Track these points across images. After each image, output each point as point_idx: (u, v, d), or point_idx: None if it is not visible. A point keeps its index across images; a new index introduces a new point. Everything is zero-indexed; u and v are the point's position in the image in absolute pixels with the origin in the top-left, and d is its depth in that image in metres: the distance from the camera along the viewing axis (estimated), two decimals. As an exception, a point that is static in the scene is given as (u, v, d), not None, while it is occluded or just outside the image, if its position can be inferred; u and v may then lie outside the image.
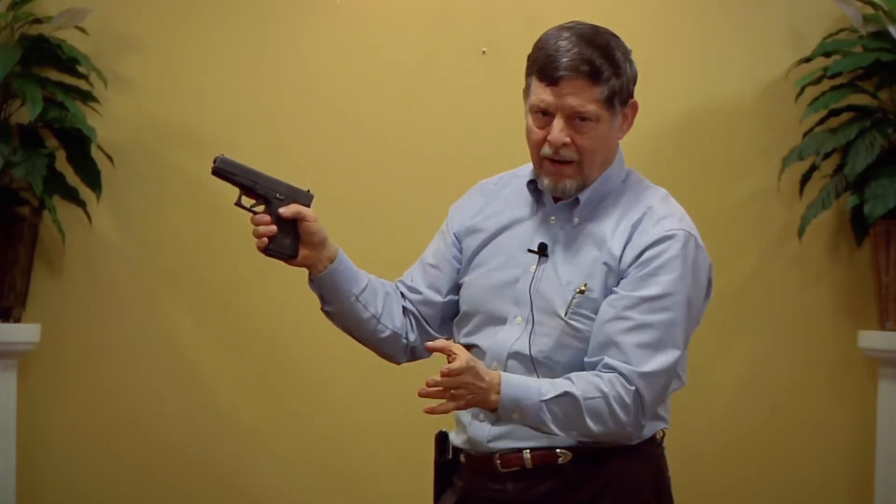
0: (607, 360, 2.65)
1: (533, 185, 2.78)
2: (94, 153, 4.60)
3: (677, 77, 4.70)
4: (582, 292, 2.69)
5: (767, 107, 4.72)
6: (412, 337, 2.87)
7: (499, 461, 2.71)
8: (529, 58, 2.71)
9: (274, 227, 2.71)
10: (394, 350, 2.87)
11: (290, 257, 2.74)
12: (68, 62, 4.59)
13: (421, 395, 2.55)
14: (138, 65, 4.71)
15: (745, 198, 4.74)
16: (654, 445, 2.75)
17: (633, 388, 2.63)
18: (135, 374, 4.74)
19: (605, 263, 2.69)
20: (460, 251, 2.86)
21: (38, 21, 4.60)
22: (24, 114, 4.55)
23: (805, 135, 4.63)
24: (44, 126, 4.60)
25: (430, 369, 2.60)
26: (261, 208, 2.73)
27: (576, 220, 2.74)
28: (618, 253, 2.69)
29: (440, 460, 2.83)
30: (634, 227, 2.69)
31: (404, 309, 2.87)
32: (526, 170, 2.82)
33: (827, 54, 4.62)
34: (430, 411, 2.56)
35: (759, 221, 4.73)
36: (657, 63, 4.59)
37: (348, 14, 4.72)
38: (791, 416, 4.74)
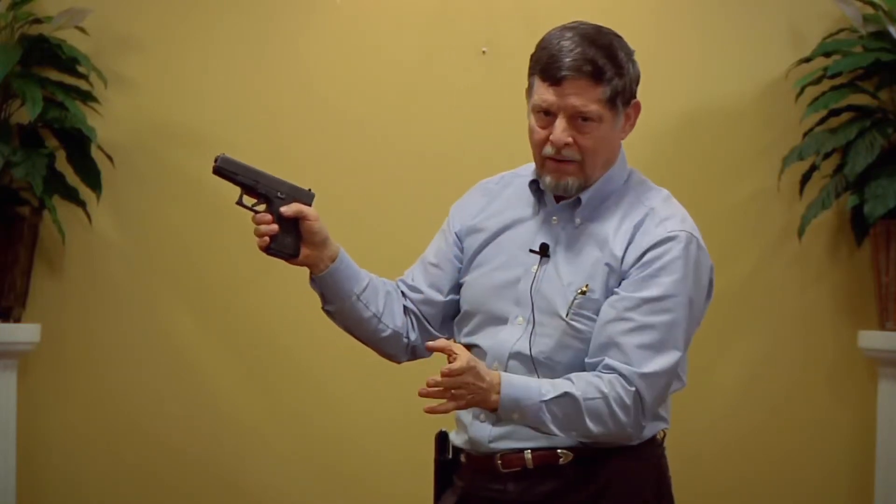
0: (608, 360, 2.64)
1: (535, 184, 2.78)
2: (94, 153, 4.60)
3: (677, 77, 4.70)
4: (583, 293, 2.69)
5: (767, 107, 4.72)
6: (413, 336, 2.87)
7: (500, 461, 2.71)
8: (532, 57, 2.71)
9: (275, 227, 2.71)
10: (394, 349, 2.87)
11: (291, 256, 2.74)
12: (68, 62, 4.59)
13: (421, 394, 2.55)
14: (138, 65, 4.71)
15: (745, 198, 4.74)
16: (654, 446, 2.75)
17: (634, 388, 2.63)
18: (135, 374, 4.74)
19: (606, 264, 2.69)
20: (461, 250, 2.86)
21: (38, 21, 4.60)
22: (24, 114, 4.55)
23: (805, 135, 4.63)
24: (44, 126, 4.60)
25: (431, 369, 2.60)
26: (262, 207, 2.73)
27: (577, 220, 2.74)
28: (619, 254, 2.68)
29: (440, 460, 2.83)
30: (636, 227, 2.69)
31: (405, 308, 2.87)
32: (528, 169, 2.82)
33: (827, 54, 4.62)
34: (430, 411, 2.56)
35: (759, 221, 4.73)
36: (657, 63, 4.58)
37: (348, 14, 4.72)
38: (791, 416, 4.74)
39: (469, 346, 2.77)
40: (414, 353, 2.89)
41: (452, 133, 4.72)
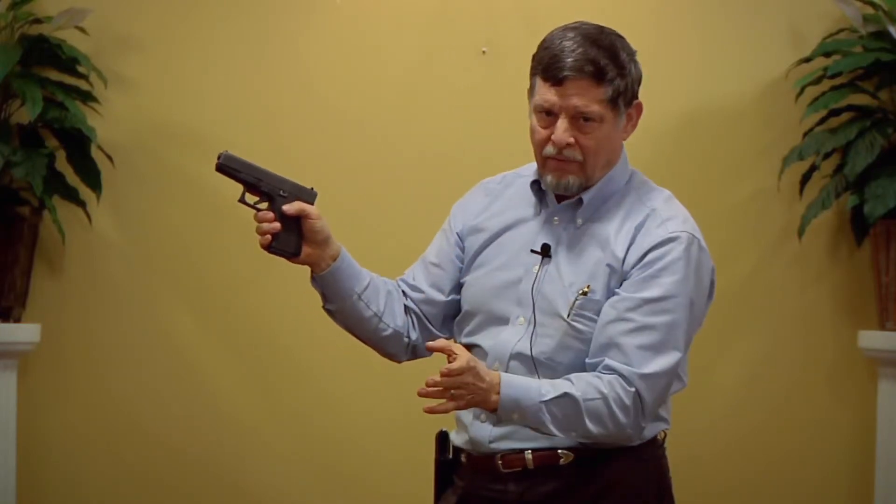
0: (608, 361, 2.64)
1: (537, 185, 2.78)
2: (94, 153, 4.60)
3: (677, 77, 4.70)
4: (585, 294, 2.69)
5: (767, 107, 4.72)
6: (414, 336, 2.86)
7: (500, 462, 2.71)
8: (534, 57, 2.71)
9: (277, 225, 2.71)
10: (395, 349, 2.87)
11: (293, 255, 2.74)
12: (68, 62, 4.59)
13: (420, 394, 2.55)
14: (138, 65, 4.71)
15: (745, 198, 4.74)
16: (655, 446, 2.75)
17: (633, 389, 2.63)
18: (135, 374, 4.74)
19: (608, 265, 2.69)
20: (463, 250, 2.86)
21: (38, 21, 4.60)
22: (24, 114, 4.55)
23: (805, 135, 4.63)
24: (44, 126, 4.60)
25: (431, 368, 2.60)
26: (264, 205, 2.72)
27: (579, 220, 2.74)
28: (621, 254, 2.68)
29: (441, 460, 2.83)
30: (638, 228, 2.69)
31: (406, 307, 2.86)
32: (530, 169, 2.82)
33: (827, 54, 4.62)
34: (430, 411, 2.56)
35: (759, 221, 4.73)
36: (657, 63, 4.57)
37: (348, 14, 4.72)
38: (791, 416, 4.74)
39: (470, 347, 2.77)
40: (414, 352, 2.89)
41: (452, 133, 4.72)
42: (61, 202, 4.60)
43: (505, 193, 2.85)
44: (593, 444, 2.67)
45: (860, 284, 4.72)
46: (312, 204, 2.74)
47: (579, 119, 2.66)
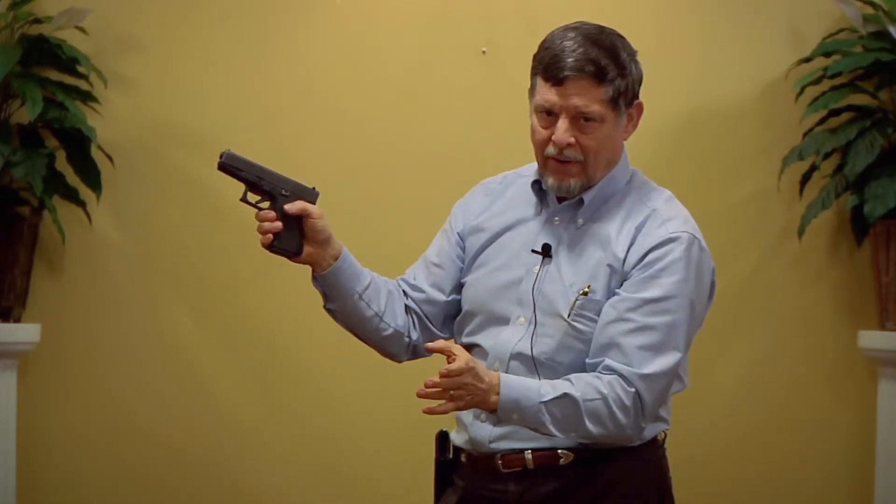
0: (608, 361, 2.64)
1: (537, 185, 2.78)
2: (94, 153, 4.60)
3: (677, 77, 4.70)
4: (585, 294, 2.68)
5: (767, 107, 4.72)
6: (414, 335, 2.86)
7: (500, 461, 2.71)
8: (535, 57, 2.71)
9: (279, 224, 2.71)
10: (396, 348, 2.87)
11: (294, 254, 2.74)
12: (68, 62, 4.58)
13: (419, 396, 2.55)
14: (138, 65, 4.71)
15: (745, 198, 4.74)
16: (655, 447, 2.75)
17: (633, 390, 2.63)
18: (135, 374, 4.74)
19: (608, 265, 2.69)
20: (463, 250, 2.85)
21: (38, 21, 4.60)
22: (24, 114, 4.55)
23: (805, 135, 4.63)
24: (44, 126, 4.60)
25: (431, 368, 2.60)
26: (266, 204, 2.73)
27: (580, 220, 2.74)
28: (622, 255, 2.68)
29: (441, 460, 2.83)
30: (639, 228, 2.69)
31: (406, 307, 2.86)
32: (531, 169, 2.82)
33: (827, 54, 4.62)
34: (429, 412, 2.56)
35: (759, 221, 4.73)
36: (657, 63, 4.56)
37: (348, 14, 4.72)
38: (791, 416, 4.74)
39: (470, 346, 2.77)
40: (415, 352, 2.88)
41: (452, 133, 4.72)
42: (61, 202, 4.60)
43: (506, 193, 2.85)
44: (593, 444, 2.66)
45: (860, 284, 4.72)
46: (314, 203, 2.74)
47: (580, 119, 2.66)
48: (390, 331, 2.83)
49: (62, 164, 4.62)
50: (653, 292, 2.65)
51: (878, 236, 4.58)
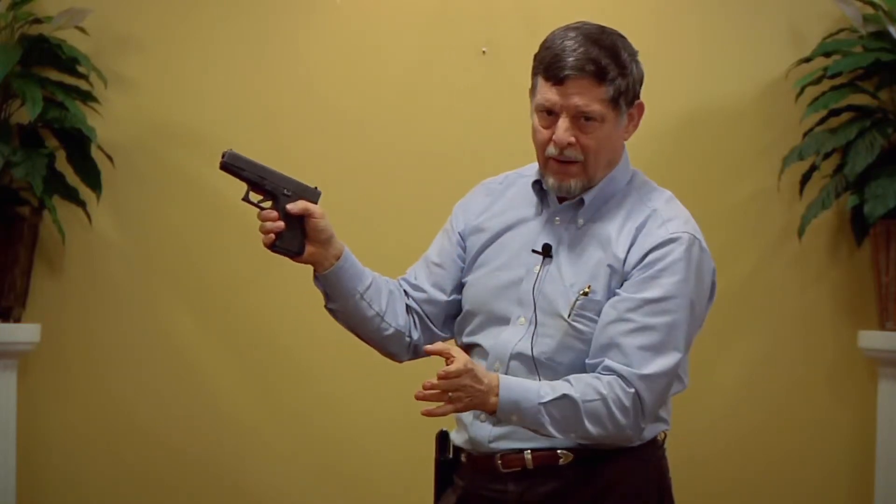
0: (608, 361, 2.64)
1: (538, 185, 2.78)
2: (94, 153, 4.60)
3: (677, 77, 4.70)
4: (585, 294, 2.68)
5: (767, 107, 4.72)
6: (415, 335, 2.86)
7: (500, 461, 2.71)
8: (536, 57, 2.71)
9: (281, 224, 2.71)
10: (397, 348, 2.87)
11: (296, 254, 2.74)
12: (68, 62, 4.59)
13: (418, 398, 2.55)
14: (138, 65, 4.71)
15: (745, 198, 4.74)
16: (655, 447, 2.75)
17: (633, 390, 2.63)
18: (135, 374, 4.74)
19: (609, 265, 2.68)
20: (464, 250, 2.85)
21: (38, 21, 4.60)
22: (24, 114, 4.55)
23: (805, 135, 4.63)
24: (44, 126, 4.60)
25: (432, 368, 2.60)
26: (268, 204, 2.73)
27: (580, 221, 2.74)
28: (622, 255, 2.68)
29: (441, 459, 2.83)
30: (639, 229, 2.69)
31: (407, 307, 2.86)
32: (531, 169, 2.82)
33: (827, 54, 4.62)
34: (428, 413, 2.56)
35: (759, 221, 4.73)
36: (657, 63, 4.55)
37: (348, 14, 4.72)
38: (791, 416, 4.74)
39: (471, 346, 2.78)
40: (416, 352, 2.88)
41: (452, 133, 4.72)
42: (61, 202, 4.60)
43: (506, 193, 2.85)
44: (593, 444, 2.66)
45: (860, 284, 4.72)
46: (316, 203, 2.74)
47: (580, 119, 2.66)
48: (391, 331, 2.83)
49: (62, 164, 4.62)
50: (653, 292, 2.64)
51: (878, 236, 4.58)
